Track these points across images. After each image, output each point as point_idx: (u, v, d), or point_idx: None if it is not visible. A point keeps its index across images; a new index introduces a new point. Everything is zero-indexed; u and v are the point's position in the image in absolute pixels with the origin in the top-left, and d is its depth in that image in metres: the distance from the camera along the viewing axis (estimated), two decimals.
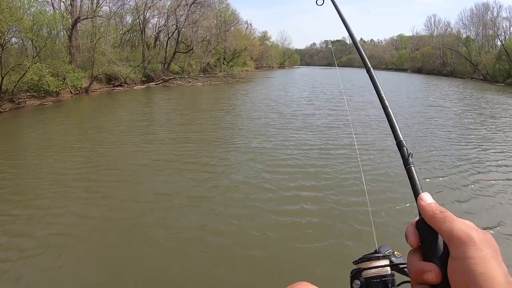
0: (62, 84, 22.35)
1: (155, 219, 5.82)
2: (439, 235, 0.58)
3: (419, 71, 68.50)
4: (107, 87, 29.29)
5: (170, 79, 34.81)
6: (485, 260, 0.50)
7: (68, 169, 8.33)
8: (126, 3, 36.49)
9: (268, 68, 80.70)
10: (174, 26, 38.86)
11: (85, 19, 28.02)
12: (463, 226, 0.54)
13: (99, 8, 31.45)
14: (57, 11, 26.43)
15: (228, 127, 13.29)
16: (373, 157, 9.10)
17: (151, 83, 33.24)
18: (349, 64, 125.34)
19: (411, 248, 0.61)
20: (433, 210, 0.59)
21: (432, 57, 63.41)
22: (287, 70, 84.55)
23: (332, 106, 18.43)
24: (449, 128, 13.22)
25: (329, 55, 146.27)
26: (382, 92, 0.96)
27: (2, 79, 18.36)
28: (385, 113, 0.91)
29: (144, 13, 36.72)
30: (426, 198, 0.63)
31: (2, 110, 17.81)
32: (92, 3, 30.84)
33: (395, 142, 0.82)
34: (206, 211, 6.10)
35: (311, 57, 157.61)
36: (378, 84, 0.98)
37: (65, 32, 26.88)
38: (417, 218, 0.63)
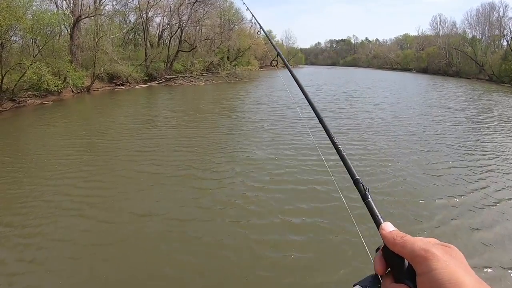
0: (62, 83, 22.11)
1: (138, 243, 5.19)
2: (404, 258, 0.62)
3: (424, 71, 68.15)
4: (109, 86, 29.12)
5: (172, 78, 34.56)
6: (449, 269, 0.53)
7: (55, 177, 7.92)
8: (129, 2, 36.36)
9: (273, 68, 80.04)
10: (177, 24, 38.61)
11: (86, 17, 27.78)
12: (423, 244, 0.58)
13: (102, 7, 31.29)
14: (59, 10, 26.17)
15: (225, 133, 12.60)
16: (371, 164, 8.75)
17: (153, 82, 33.03)
18: (353, 64, 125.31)
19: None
20: (394, 237, 0.64)
21: (437, 57, 62.89)
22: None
23: (336, 108, 18.02)
24: (462, 134, 12.57)
25: (334, 55, 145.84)
26: (334, 138, 1.08)
27: (2, 78, 18.17)
28: (339, 156, 1.00)
29: (146, 12, 36.48)
30: (387, 226, 0.69)
31: (2, 109, 17.65)
32: (95, 2, 30.67)
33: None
34: (189, 235, 5.50)
35: (315, 56, 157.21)
36: (330, 131, 1.12)
37: (66, 30, 26.67)
38: (382, 245, 0.68)
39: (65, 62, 22.38)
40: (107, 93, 27.08)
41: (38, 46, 21.10)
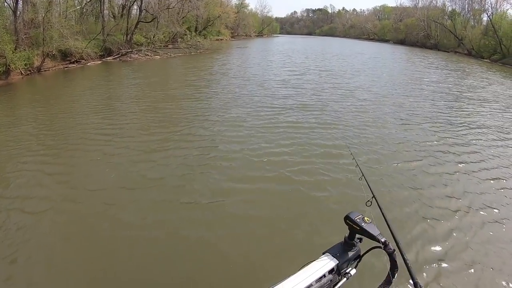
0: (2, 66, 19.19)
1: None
2: None
3: (401, 42, 67.66)
4: (62, 65, 26.00)
5: (127, 52, 31.28)
6: None
7: None
8: None
9: (245, 37, 77.39)
10: None
11: None
12: None
13: None
14: None
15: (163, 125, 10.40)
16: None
17: (109, 58, 29.89)
18: (330, 33, 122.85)
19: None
20: None
21: (416, 29, 61.60)
22: (265, 39, 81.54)
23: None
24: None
25: (310, 24, 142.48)
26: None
27: None
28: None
29: None
30: None
31: None
32: None
33: None
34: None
35: (291, 25, 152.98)
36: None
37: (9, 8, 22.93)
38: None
39: (5, 43, 19.28)
40: (59, 72, 24.21)
41: None
